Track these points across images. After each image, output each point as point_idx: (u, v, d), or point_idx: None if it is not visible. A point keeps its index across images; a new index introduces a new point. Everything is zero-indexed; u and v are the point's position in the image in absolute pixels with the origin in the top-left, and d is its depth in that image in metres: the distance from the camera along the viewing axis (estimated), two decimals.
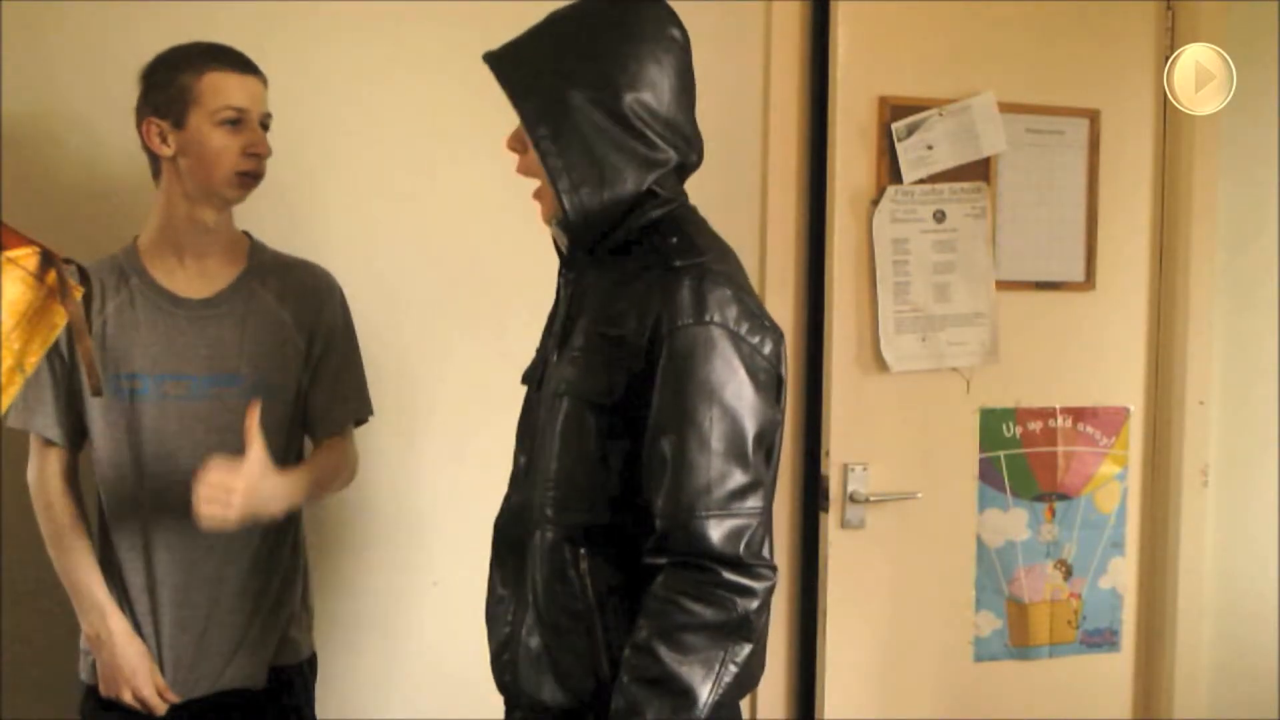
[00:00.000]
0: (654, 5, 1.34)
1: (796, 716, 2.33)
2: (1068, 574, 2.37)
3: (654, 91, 1.29)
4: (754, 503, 1.25)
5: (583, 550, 1.31)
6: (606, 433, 1.29)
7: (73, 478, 1.71)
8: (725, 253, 1.36)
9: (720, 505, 1.22)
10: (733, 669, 1.23)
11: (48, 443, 1.69)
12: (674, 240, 1.30)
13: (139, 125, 1.65)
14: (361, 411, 1.83)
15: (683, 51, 1.33)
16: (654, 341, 1.25)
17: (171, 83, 1.61)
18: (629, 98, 1.28)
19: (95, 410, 1.65)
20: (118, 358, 1.64)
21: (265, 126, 1.68)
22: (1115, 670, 2.43)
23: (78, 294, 1.35)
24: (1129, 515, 2.42)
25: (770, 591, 1.26)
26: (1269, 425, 2.49)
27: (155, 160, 1.66)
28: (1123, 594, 2.42)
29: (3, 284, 1.27)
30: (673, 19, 1.34)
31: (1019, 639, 2.34)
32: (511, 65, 1.34)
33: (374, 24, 2.04)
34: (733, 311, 1.26)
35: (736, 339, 1.25)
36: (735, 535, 1.22)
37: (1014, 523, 2.33)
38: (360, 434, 1.89)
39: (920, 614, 2.29)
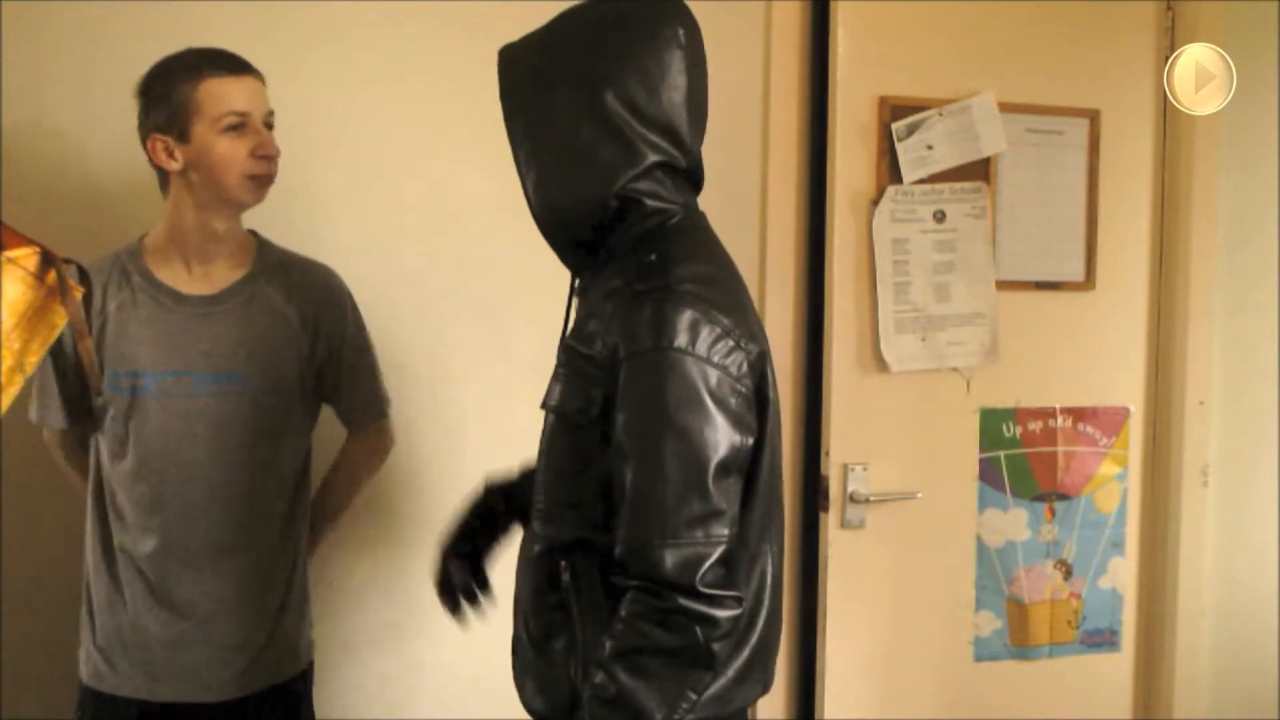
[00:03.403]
0: (658, 2, 1.31)
1: (796, 716, 2.33)
2: (1068, 574, 2.37)
3: (644, 89, 1.26)
4: (717, 530, 1.21)
5: (565, 563, 1.30)
6: (587, 449, 1.28)
7: (78, 447, 1.74)
8: (712, 271, 1.31)
9: (675, 534, 1.20)
10: (692, 696, 1.21)
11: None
12: (651, 259, 1.27)
13: (143, 142, 1.65)
14: (371, 414, 1.85)
15: (685, 50, 1.29)
16: (614, 366, 1.23)
17: (169, 96, 1.61)
18: (610, 95, 1.25)
19: (99, 402, 1.65)
20: (119, 355, 1.64)
21: (269, 125, 1.68)
22: (1115, 670, 2.43)
23: (78, 294, 1.35)
24: (1129, 515, 2.42)
25: (735, 621, 1.23)
26: (1269, 425, 2.49)
27: (163, 174, 1.66)
28: (1123, 594, 2.42)
29: (3, 284, 1.27)
30: (678, 17, 1.30)
31: (1019, 639, 2.34)
32: (506, 63, 1.34)
33: (376, 24, 2.04)
34: (699, 334, 1.22)
35: (700, 363, 1.21)
36: (690, 563, 1.20)
37: (1014, 523, 2.33)
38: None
39: (920, 614, 2.29)
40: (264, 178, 1.66)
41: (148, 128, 1.63)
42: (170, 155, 1.62)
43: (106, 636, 1.67)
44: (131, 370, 1.64)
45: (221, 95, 1.61)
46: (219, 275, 1.69)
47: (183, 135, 1.61)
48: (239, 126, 1.62)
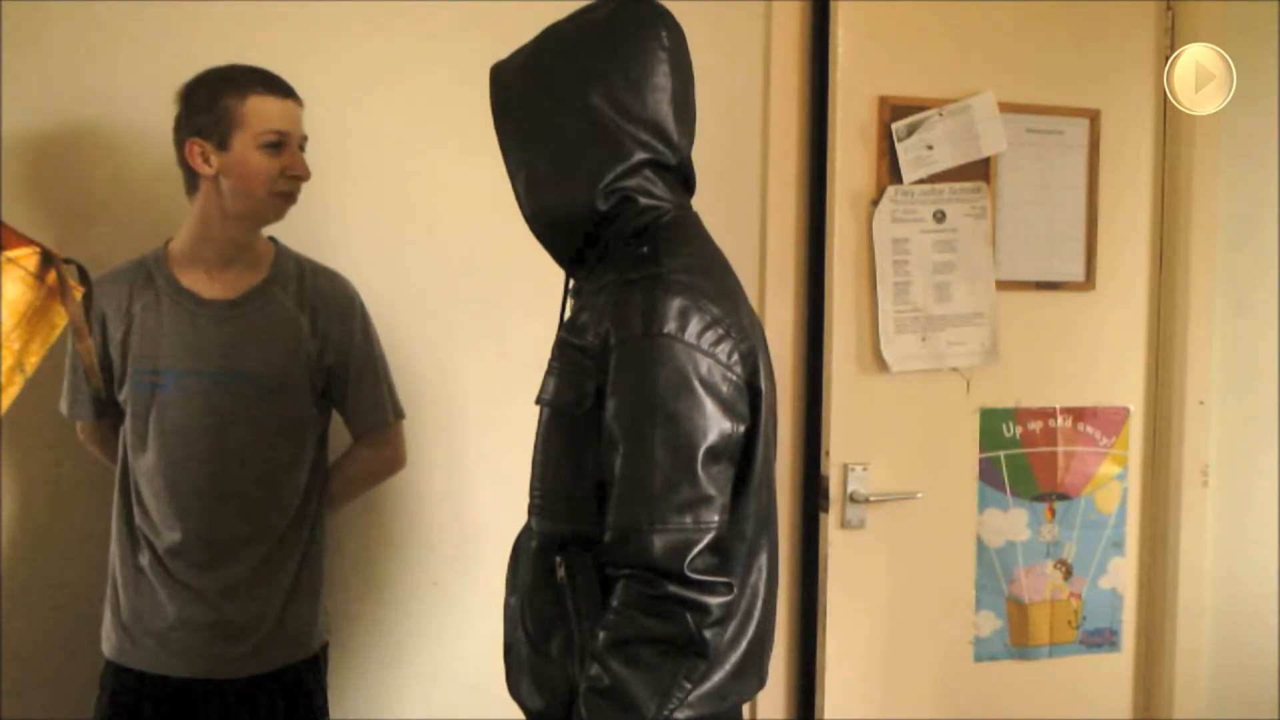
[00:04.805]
0: (642, 6, 1.33)
1: (796, 716, 2.33)
2: (1068, 574, 2.37)
3: (629, 89, 1.28)
4: (707, 516, 1.22)
5: (560, 558, 1.31)
6: (581, 442, 1.29)
7: (111, 435, 1.80)
8: (704, 264, 1.33)
9: (664, 519, 1.20)
10: (686, 685, 1.21)
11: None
12: (643, 251, 1.29)
13: (179, 145, 1.70)
14: (373, 420, 1.87)
15: (669, 52, 1.32)
16: (606, 355, 1.24)
17: (214, 105, 1.67)
18: (595, 95, 1.28)
19: (123, 397, 1.74)
20: (142, 354, 1.72)
21: (302, 149, 1.75)
22: (1115, 670, 2.43)
23: (78, 294, 1.35)
24: (1129, 515, 2.42)
25: (726, 608, 1.23)
26: (1269, 425, 2.49)
27: (193, 177, 1.71)
28: (1123, 594, 2.42)
29: (3, 284, 1.27)
30: (661, 23, 1.33)
31: (1019, 639, 2.34)
32: (496, 77, 1.37)
33: (377, 23, 2.04)
34: (689, 321, 1.23)
35: (690, 349, 1.22)
36: (679, 549, 1.20)
37: (1014, 523, 2.33)
38: None
39: (920, 614, 2.29)
40: (289, 197, 1.74)
41: (187, 131, 1.69)
42: (206, 160, 1.68)
43: (127, 614, 1.75)
44: (153, 368, 1.71)
45: (266, 113, 1.68)
46: (238, 280, 1.76)
47: (222, 144, 1.67)
48: (277, 145, 1.69)
